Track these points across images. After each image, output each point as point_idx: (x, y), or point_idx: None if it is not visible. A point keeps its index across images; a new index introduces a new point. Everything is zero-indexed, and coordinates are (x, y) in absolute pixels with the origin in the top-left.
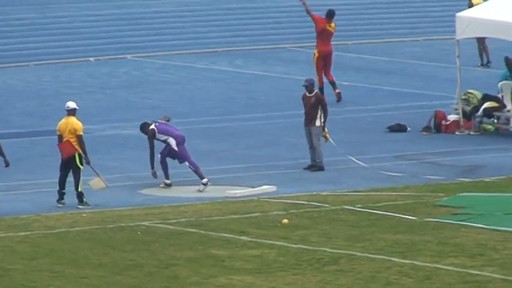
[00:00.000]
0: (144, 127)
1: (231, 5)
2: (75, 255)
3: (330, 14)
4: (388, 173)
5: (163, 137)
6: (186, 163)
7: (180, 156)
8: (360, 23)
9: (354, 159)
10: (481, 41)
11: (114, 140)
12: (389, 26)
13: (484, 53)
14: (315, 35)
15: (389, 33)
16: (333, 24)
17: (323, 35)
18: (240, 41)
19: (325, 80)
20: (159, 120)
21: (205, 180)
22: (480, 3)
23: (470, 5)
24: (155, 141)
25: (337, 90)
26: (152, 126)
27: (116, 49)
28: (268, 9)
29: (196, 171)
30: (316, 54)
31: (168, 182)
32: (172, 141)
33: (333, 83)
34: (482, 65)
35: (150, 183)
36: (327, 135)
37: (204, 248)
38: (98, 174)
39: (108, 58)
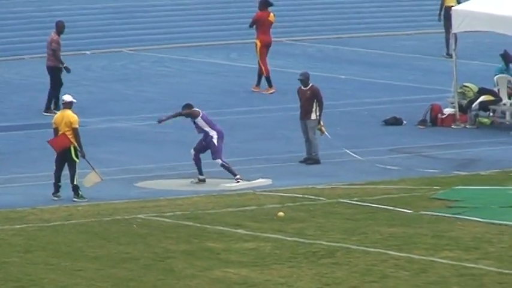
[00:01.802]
0: (189, 105)
1: None
2: (70, 248)
3: (267, 4)
4: (384, 166)
5: (206, 127)
6: (219, 161)
7: (217, 151)
8: (353, 17)
9: (349, 152)
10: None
11: (109, 133)
12: (383, 19)
13: (446, 44)
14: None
15: (383, 27)
16: (271, 14)
17: (264, 26)
18: (235, 35)
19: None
20: None
21: (238, 176)
22: (453, 4)
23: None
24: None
25: (256, 89)
26: (199, 110)
27: (112, 42)
28: None
29: (229, 168)
30: (259, 44)
31: (202, 177)
32: (214, 134)
33: (259, 77)
34: (447, 54)
35: (145, 176)
36: (323, 128)
37: (199, 241)
38: (93, 168)
39: (104, 51)
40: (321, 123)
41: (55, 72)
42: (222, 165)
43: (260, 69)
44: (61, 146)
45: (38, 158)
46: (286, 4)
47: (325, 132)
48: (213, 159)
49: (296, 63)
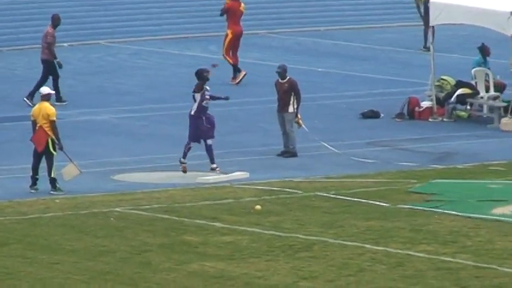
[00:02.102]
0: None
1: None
2: (47, 241)
3: None
4: (361, 160)
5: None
6: (209, 141)
7: (210, 133)
8: (333, 9)
9: (327, 145)
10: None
11: (87, 125)
12: (363, 12)
13: (424, 37)
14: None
15: (363, 19)
16: (242, 4)
17: (235, 16)
18: (213, 27)
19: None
20: None
21: (215, 165)
22: None
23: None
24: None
25: (236, 81)
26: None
27: (89, 34)
28: None
29: (213, 153)
30: (230, 35)
31: (183, 161)
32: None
33: (235, 69)
34: (425, 47)
35: (122, 169)
36: (300, 121)
37: (176, 234)
38: (71, 160)
39: (81, 44)
40: (299, 116)
41: (49, 65)
42: (211, 146)
43: (233, 61)
44: (41, 145)
45: (16, 151)
46: None
47: (303, 125)
48: (210, 138)
49: (274, 55)
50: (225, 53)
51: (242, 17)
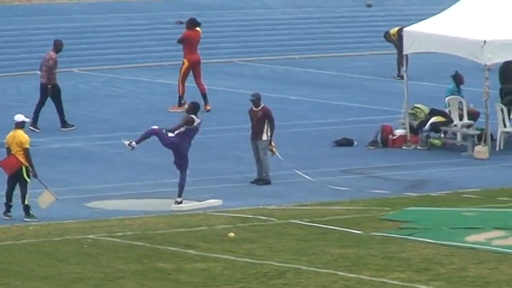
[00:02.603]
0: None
1: (176, 19)
2: (21, 267)
3: (195, 23)
4: (335, 187)
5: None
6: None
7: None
8: (307, 37)
9: (300, 173)
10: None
11: (60, 153)
12: (336, 40)
13: (398, 66)
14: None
15: (337, 48)
16: (198, 33)
17: (192, 45)
18: None
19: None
20: None
21: (179, 199)
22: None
23: (389, 36)
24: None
25: (207, 108)
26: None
27: (63, 62)
28: (215, 24)
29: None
30: (186, 63)
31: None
32: None
33: (204, 96)
34: (399, 75)
35: (96, 196)
36: (274, 149)
37: (150, 261)
38: (46, 187)
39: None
40: (272, 144)
41: (53, 89)
42: (182, 181)
43: (200, 89)
44: (12, 168)
45: None
46: (238, 25)
47: (276, 153)
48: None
49: (248, 83)
50: (180, 81)
51: (198, 46)
